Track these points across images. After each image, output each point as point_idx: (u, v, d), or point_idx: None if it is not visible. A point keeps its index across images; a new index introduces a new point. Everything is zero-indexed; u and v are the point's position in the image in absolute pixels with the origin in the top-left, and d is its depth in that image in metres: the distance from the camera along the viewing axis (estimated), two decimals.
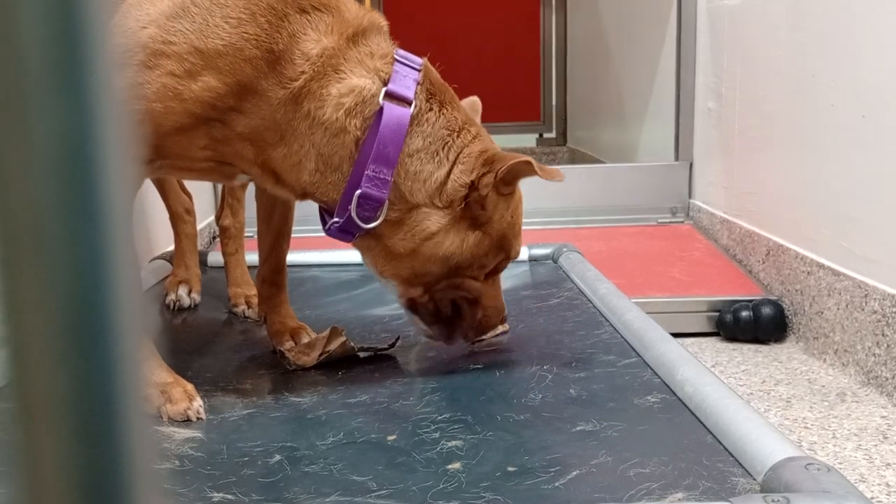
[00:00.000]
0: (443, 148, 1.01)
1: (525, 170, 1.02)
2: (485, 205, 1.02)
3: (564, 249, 1.69)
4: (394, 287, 1.06)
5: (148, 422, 0.21)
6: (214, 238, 2.29)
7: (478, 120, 1.14)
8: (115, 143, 0.20)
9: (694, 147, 2.36)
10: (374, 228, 1.01)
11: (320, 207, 1.05)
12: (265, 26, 0.93)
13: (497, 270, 1.10)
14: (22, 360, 0.20)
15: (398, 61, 1.00)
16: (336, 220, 1.00)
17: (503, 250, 1.07)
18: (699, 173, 2.34)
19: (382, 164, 0.97)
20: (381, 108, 0.97)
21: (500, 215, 1.05)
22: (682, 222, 2.34)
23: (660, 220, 2.35)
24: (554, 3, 4.19)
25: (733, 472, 0.78)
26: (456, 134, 1.02)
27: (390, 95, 0.98)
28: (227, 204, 1.50)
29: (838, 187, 1.55)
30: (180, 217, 1.51)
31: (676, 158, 2.40)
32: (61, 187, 0.19)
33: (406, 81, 0.99)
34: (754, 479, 0.76)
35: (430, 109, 1.01)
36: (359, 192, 0.98)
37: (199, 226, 1.67)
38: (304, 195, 1.02)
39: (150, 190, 1.58)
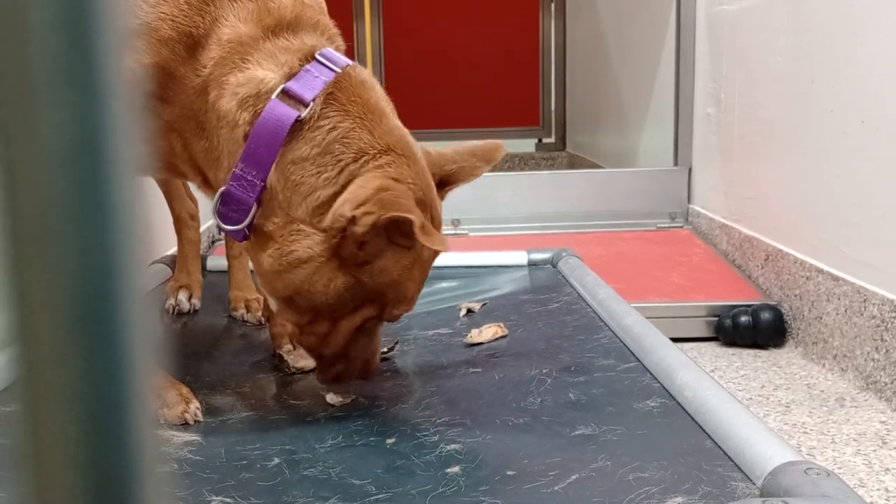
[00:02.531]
0: (334, 165, 0.87)
1: (406, 226, 0.85)
2: (363, 246, 0.87)
3: (564, 254, 1.69)
4: (269, 299, 0.97)
5: (155, 421, 0.21)
6: (213, 242, 2.29)
7: (485, 167, 1.01)
8: (124, 135, 0.20)
9: (693, 152, 2.37)
10: (238, 232, 0.91)
11: None
12: (184, 7, 0.88)
13: (364, 326, 0.94)
14: (29, 356, 0.20)
15: (318, 61, 0.89)
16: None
17: (375, 305, 0.92)
18: (698, 178, 2.35)
19: (252, 164, 0.87)
20: None
21: (382, 265, 0.89)
22: (682, 227, 2.34)
23: (659, 225, 2.35)
24: (553, 8, 4.19)
25: (733, 476, 0.78)
26: (355, 156, 0.87)
27: (286, 93, 0.87)
28: None
29: (837, 192, 1.55)
30: (184, 222, 1.51)
31: (675, 163, 2.40)
32: (69, 181, 0.19)
33: (313, 83, 0.88)
34: (754, 484, 0.76)
35: (327, 118, 0.88)
36: (222, 189, 0.89)
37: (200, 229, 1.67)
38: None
39: (151, 193, 1.58)
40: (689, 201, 2.38)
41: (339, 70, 0.90)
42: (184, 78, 0.90)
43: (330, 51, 0.92)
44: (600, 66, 3.51)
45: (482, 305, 1.43)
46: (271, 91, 0.87)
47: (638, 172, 2.51)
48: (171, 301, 1.45)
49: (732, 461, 0.81)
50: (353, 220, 0.85)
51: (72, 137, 0.19)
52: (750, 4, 1.95)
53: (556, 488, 0.77)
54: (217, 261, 1.63)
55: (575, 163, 4.04)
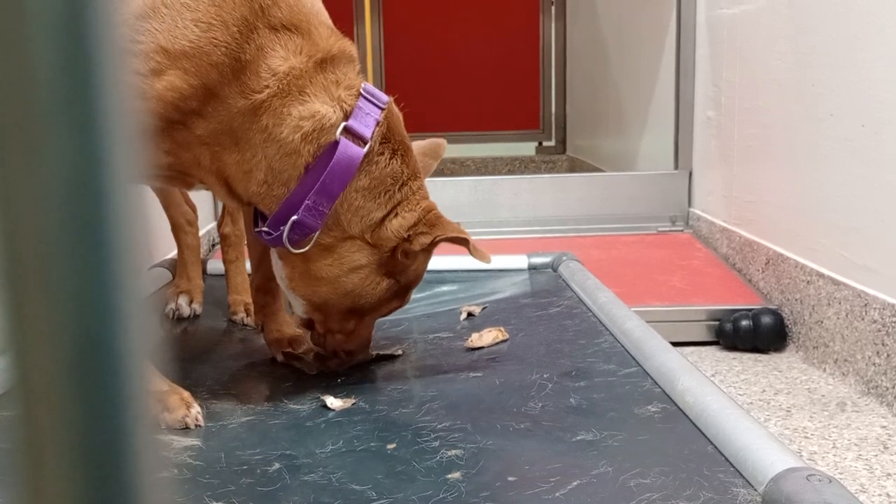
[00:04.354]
0: (384, 193, 1.03)
1: (461, 244, 1.07)
2: (409, 256, 1.06)
3: (564, 258, 1.69)
4: (299, 304, 1.08)
5: (158, 447, 0.21)
6: (213, 246, 2.28)
7: (435, 164, 1.18)
8: (125, 169, 0.20)
9: (693, 156, 2.36)
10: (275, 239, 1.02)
11: (256, 208, 1.07)
12: (236, 35, 0.94)
13: (386, 314, 1.13)
14: (27, 388, 0.19)
15: (363, 96, 1.01)
16: (267, 230, 1.02)
17: (401, 298, 1.11)
18: (699, 182, 2.35)
19: (324, 197, 0.99)
20: (337, 142, 0.98)
21: (416, 266, 1.09)
22: (682, 231, 2.34)
23: (659, 229, 2.35)
24: (553, 11, 4.20)
25: (734, 482, 0.78)
26: (398, 185, 1.04)
27: (348, 131, 0.99)
28: (227, 212, 1.50)
29: (838, 196, 1.55)
30: (181, 228, 1.51)
31: (676, 167, 2.40)
32: (70, 214, 0.19)
33: (367, 120, 1.00)
34: (755, 490, 0.76)
35: (382, 154, 1.03)
36: (294, 218, 0.99)
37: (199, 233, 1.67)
38: (249, 204, 1.05)
39: (151, 196, 1.58)
40: (689, 205, 2.38)
41: (383, 107, 1.03)
42: (227, 98, 0.95)
43: (369, 86, 1.04)
44: (600, 70, 3.51)
45: (482, 309, 1.42)
46: (333, 127, 0.98)
47: (638, 176, 2.51)
48: (172, 306, 1.45)
49: (734, 467, 0.80)
50: (407, 239, 1.04)
51: (73, 172, 0.19)
52: (750, 8, 1.95)
53: (557, 494, 0.77)
54: (217, 264, 1.63)
55: (575, 166, 4.04)
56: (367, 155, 1.00)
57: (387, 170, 1.03)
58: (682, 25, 2.33)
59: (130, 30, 0.91)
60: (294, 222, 0.99)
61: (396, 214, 1.03)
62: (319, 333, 1.11)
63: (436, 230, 1.05)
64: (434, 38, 4.16)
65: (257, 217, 1.07)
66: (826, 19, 1.59)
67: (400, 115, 1.07)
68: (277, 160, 0.98)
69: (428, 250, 1.07)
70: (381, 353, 1.19)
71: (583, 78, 3.92)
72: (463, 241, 1.06)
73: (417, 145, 1.15)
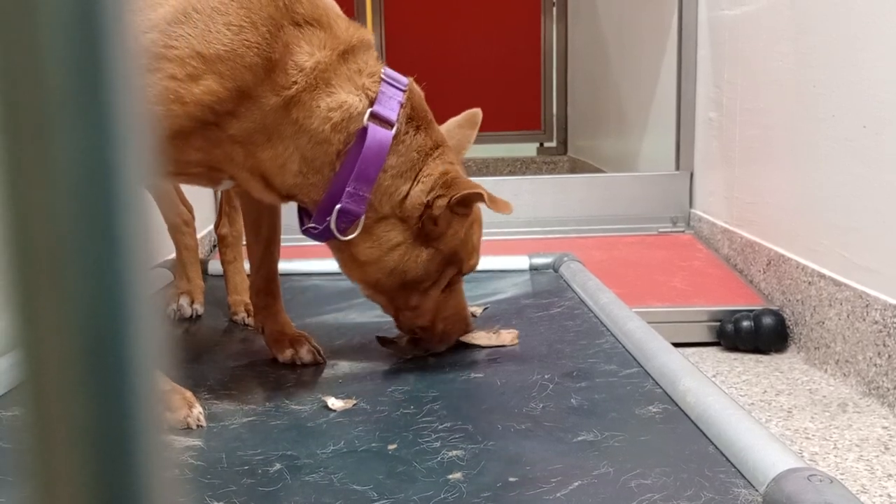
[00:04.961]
0: (410, 168, 1.07)
1: (476, 199, 1.08)
2: (437, 222, 1.08)
3: (565, 259, 1.69)
4: (359, 288, 1.14)
5: (166, 445, 0.21)
6: (215, 247, 2.28)
7: (474, 132, 1.23)
8: (136, 165, 0.20)
9: (695, 157, 2.36)
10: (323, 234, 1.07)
11: (300, 207, 1.10)
12: (266, 35, 0.96)
13: (452, 283, 1.16)
14: (38, 384, 0.19)
15: (385, 81, 1.05)
16: (314, 225, 1.06)
17: (455, 265, 1.13)
18: (700, 183, 2.35)
19: (363, 182, 1.03)
20: (365, 128, 1.02)
21: (453, 231, 1.11)
22: (683, 232, 2.34)
23: (660, 230, 2.35)
24: (555, 12, 4.20)
25: (735, 483, 0.78)
26: (423, 157, 1.08)
27: (375, 116, 1.02)
28: (224, 213, 1.50)
29: (839, 197, 1.55)
30: (178, 229, 1.51)
31: (677, 168, 2.40)
32: (81, 210, 0.19)
33: (391, 103, 1.04)
34: (756, 491, 0.76)
35: (408, 133, 1.07)
36: (339, 206, 1.03)
37: (200, 234, 1.67)
38: (288, 197, 1.07)
39: (147, 198, 1.58)
40: (690, 206, 2.38)
41: (404, 89, 1.07)
42: (260, 97, 0.98)
43: (389, 70, 1.07)
44: (602, 71, 3.51)
45: (484, 309, 1.43)
46: (360, 115, 1.02)
47: (639, 177, 2.51)
48: (173, 307, 1.45)
49: (735, 468, 0.80)
50: (428, 204, 1.06)
51: (85, 168, 0.19)
52: (751, 10, 1.95)
53: (558, 495, 0.77)
54: (218, 265, 1.63)
55: (576, 167, 4.04)
56: (395, 136, 1.04)
57: (413, 145, 1.06)
58: (683, 26, 2.33)
59: (163, 35, 0.92)
60: (339, 210, 1.03)
61: (418, 182, 1.07)
62: (394, 316, 1.15)
63: (451, 190, 1.06)
64: (435, 38, 4.16)
65: (301, 216, 1.11)
66: (827, 20, 1.59)
67: (421, 93, 1.11)
68: (309, 149, 1.01)
69: (457, 212, 1.09)
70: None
71: (584, 79, 3.92)
72: (479, 197, 1.07)
73: (454, 120, 1.21)
